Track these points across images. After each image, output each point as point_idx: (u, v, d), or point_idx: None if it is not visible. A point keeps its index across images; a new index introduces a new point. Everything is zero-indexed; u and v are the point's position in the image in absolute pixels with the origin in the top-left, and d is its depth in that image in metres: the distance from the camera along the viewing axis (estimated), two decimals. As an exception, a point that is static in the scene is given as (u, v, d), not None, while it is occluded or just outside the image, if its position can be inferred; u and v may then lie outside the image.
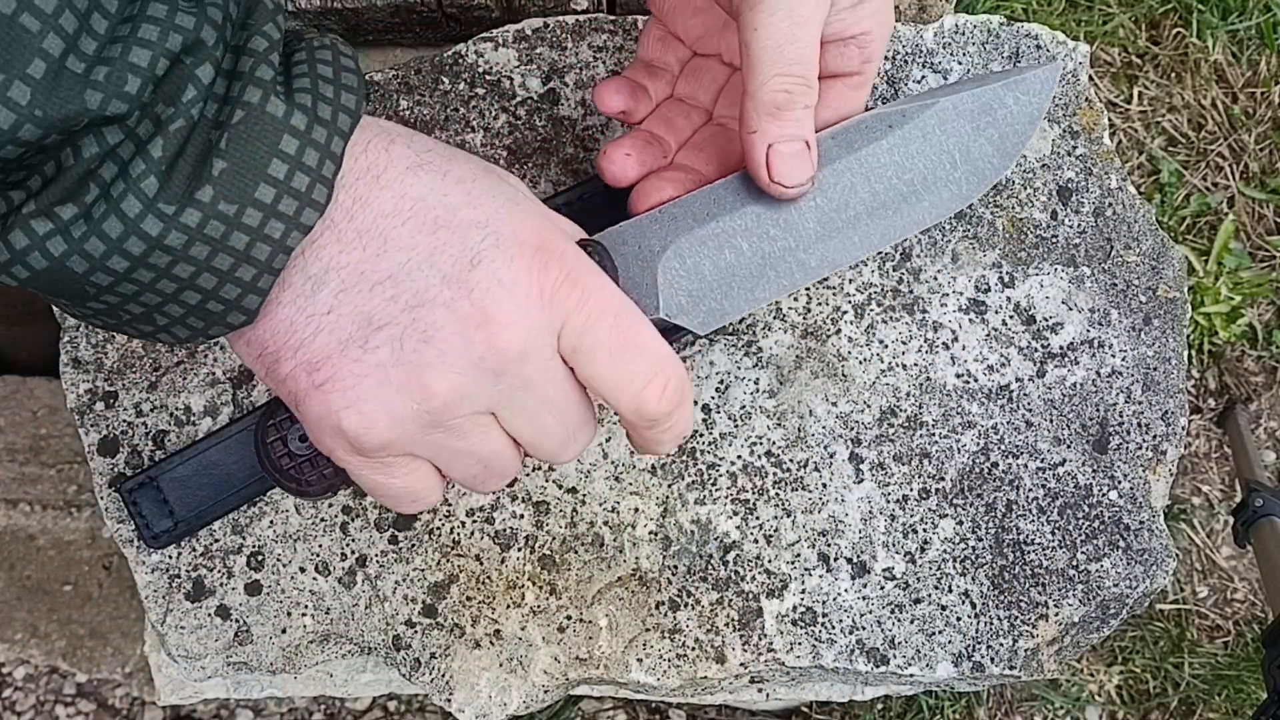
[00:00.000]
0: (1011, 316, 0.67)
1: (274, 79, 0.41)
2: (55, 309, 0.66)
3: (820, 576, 0.64)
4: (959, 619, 0.64)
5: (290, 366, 0.44)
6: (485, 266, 0.43)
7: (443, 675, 0.63)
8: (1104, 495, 0.66)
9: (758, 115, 0.51)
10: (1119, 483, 0.66)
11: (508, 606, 0.63)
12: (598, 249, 0.51)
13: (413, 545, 0.64)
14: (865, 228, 0.55)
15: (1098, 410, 0.67)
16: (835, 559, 0.64)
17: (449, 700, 0.63)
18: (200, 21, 0.39)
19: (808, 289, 0.66)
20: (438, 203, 0.44)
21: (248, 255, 0.41)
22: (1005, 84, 0.57)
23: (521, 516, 0.64)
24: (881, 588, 0.64)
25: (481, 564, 0.64)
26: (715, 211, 0.53)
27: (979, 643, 0.64)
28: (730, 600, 0.63)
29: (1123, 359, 0.67)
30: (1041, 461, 0.66)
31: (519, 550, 0.64)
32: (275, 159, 0.40)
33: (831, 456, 0.65)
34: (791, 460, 0.65)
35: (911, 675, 0.64)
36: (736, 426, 0.65)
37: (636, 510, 0.64)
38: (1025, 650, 0.64)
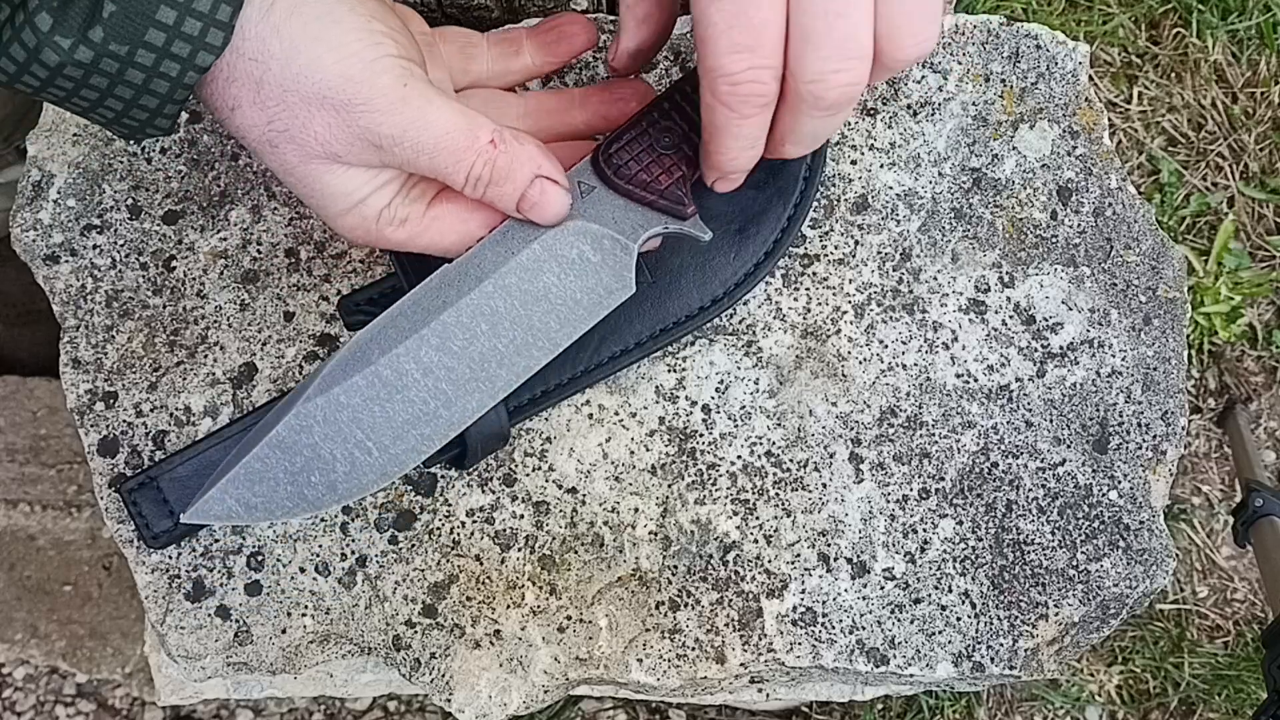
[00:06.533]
0: (1011, 316, 0.67)
1: None
2: (55, 309, 0.66)
3: (820, 576, 0.64)
4: (959, 619, 0.64)
5: None
6: None
7: (443, 675, 0.63)
8: (1104, 495, 0.66)
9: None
10: (1119, 483, 0.66)
11: (508, 606, 0.63)
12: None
13: (413, 545, 0.64)
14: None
15: (1098, 410, 0.67)
16: (835, 559, 0.64)
17: (449, 700, 0.63)
18: None
19: (808, 288, 0.66)
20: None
21: (146, 88, 0.47)
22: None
23: (521, 516, 0.64)
24: (881, 588, 0.64)
25: (481, 564, 0.64)
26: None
27: (979, 643, 0.64)
28: (730, 600, 0.63)
29: (1123, 359, 0.67)
30: (1041, 461, 0.66)
31: (519, 550, 0.64)
32: (164, 5, 0.44)
33: (831, 456, 0.65)
34: (791, 460, 0.65)
35: (911, 675, 0.64)
36: (736, 426, 0.65)
37: (636, 510, 0.64)
38: (1025, 650, 0.64)
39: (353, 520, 0.64)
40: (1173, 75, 1.37)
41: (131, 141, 0.50)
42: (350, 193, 0.52)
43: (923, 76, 0.69)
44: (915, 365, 0.66)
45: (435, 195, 0.55)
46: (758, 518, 0.64)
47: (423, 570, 0.63)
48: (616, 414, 0.65)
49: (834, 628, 0.63)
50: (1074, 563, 0.65)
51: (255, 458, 0.52)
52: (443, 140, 0.50)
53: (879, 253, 0.67)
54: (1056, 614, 0.64)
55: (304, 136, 0.49)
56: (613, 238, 0.55)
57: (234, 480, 0.52)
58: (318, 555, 0.63)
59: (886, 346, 0.66)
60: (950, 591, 0.64)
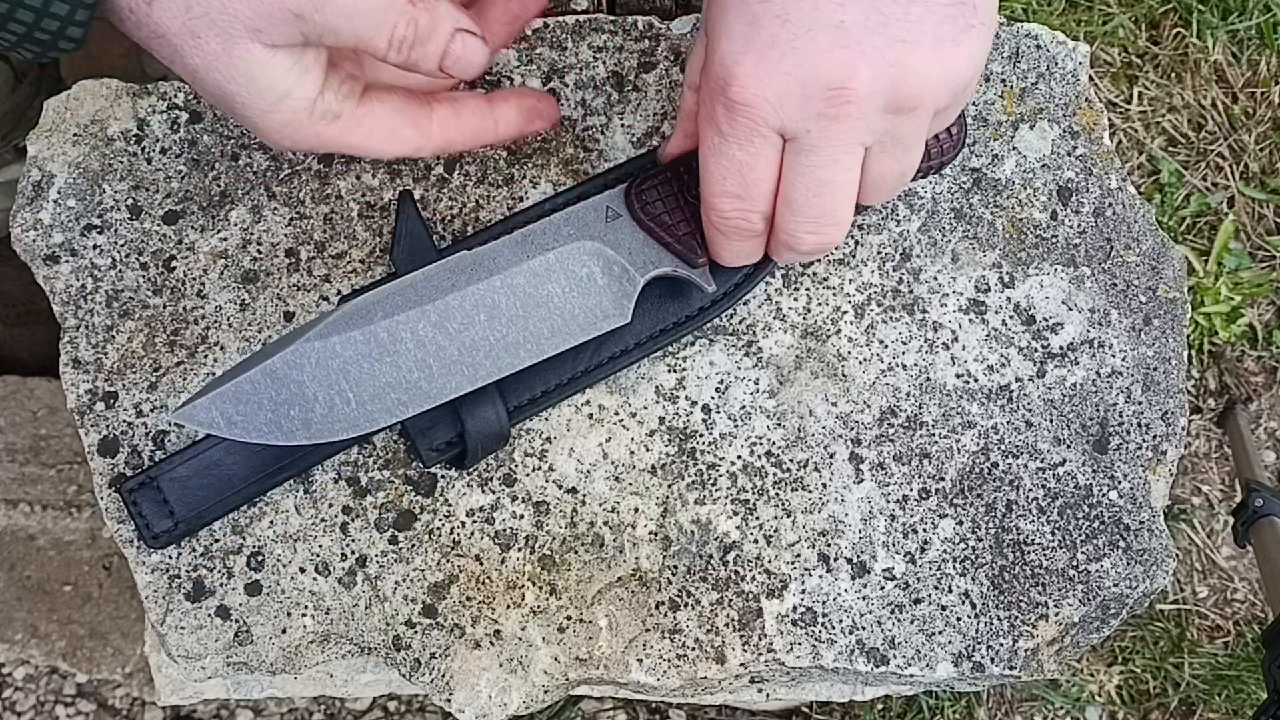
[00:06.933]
0: (1011, 316, 0.67)
1: None
2: (55, 309, 0.66)
3: (820, 577, 0.64)
4: (959, 619, 0.64)
5: None
6: None
7: (443, 675, 0.63)
8: (1104, 495, 0.66)
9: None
10: (1119, 483, 0.66)
11: (508, 607, 0.63)
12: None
13: (413, 545, 0.64)
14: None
15: (1098, 410, 0.67)
16: (835, 559, 0.64)
17: (449, 700, 0.63)
18: None
19: (808, 288, 0.66)
20: None
21: (47, 10, 0.46)
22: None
23: (521, 516, 0.64)
24: (881, 588, 0.64)
25: (481, 564, 0.64)
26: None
27: (979, 643, 0.64)
28: (730, 600, 0.63)
29: (1123, 359, 0.67)
30: (1041, 461, 0.66)
31: (519, 550, 0.64)
32: None
33: (831, 456, 0.65)
34: (791, 460, 0.65)
35: (911, 675, 0.64)
36: (736, 426, 0.65)
37: (636, 510, 0.64)
38: (1025, 650, 0.64)
39: (353, 520, 0.64)
40: (1173, 75, 1.37)
41: (42, 60, 0.49)
42: (276, 82, 0.51)
43: (923, 76, 0.69)
44: (915, 365, 0.66)
45: (363, 92, 0.55)
46: (758, 518, 0.64)
47: (423, 570, 0.63)
48: (616, 414, 0.65)
49: (834, 628, 0.63)
50: (1074, 563, 0.65)
51: (248, 380, 0.55)
52: (363, 1, 0.49)
53: (879, 253, 0.67)
54: (1056, 614, 0.64)
55: (224, 17, 0.48)
56: (623, 266, 0.59)
57: (224, 395, 0.55)
58: (318, 555, 0.63)
59: (886, 346, 0.66)
60: (950, 591, 0.64)
